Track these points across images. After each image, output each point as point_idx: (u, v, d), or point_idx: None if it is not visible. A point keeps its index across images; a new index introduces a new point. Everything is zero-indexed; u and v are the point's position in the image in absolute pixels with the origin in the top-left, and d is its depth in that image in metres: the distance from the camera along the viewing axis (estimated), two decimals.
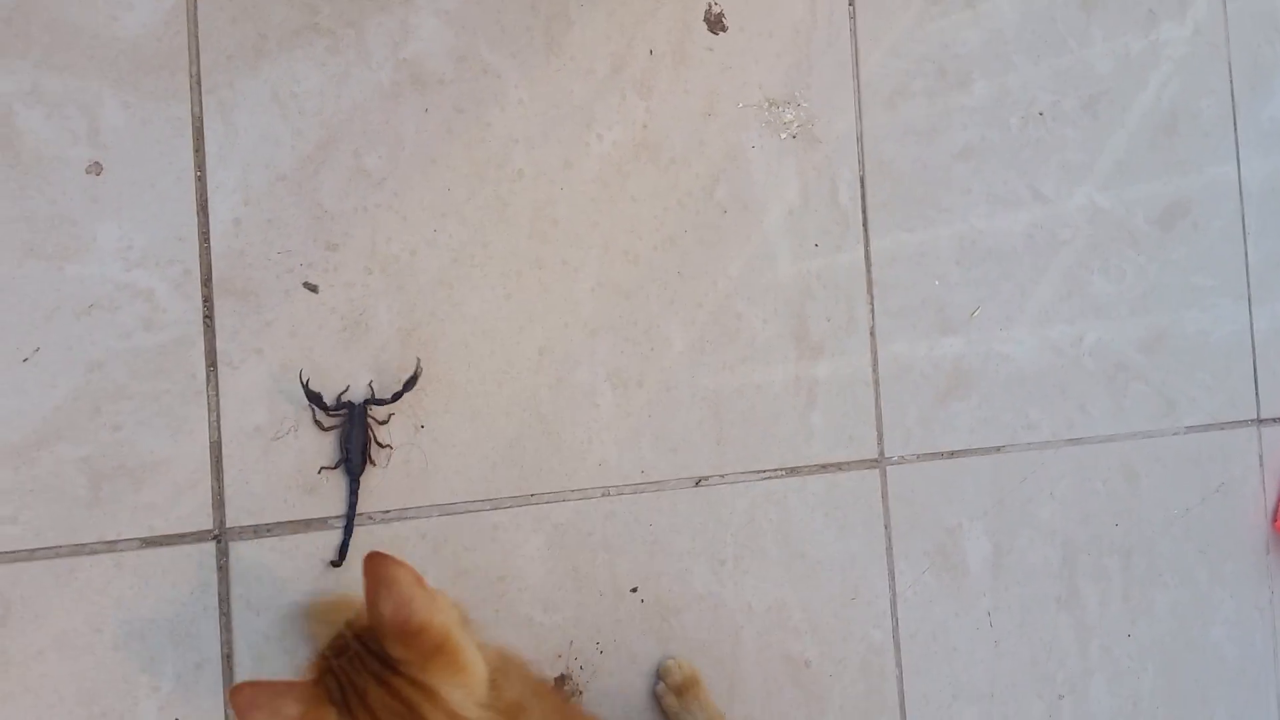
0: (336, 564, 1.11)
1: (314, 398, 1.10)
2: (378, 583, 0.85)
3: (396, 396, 1.14)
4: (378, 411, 1.15)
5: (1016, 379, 1.58)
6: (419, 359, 1.17)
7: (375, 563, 0.85)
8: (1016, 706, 1.55)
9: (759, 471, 1.37)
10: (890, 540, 1.46)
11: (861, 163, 1.47)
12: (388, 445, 1.15)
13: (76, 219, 1.04)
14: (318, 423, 1.12)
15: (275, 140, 1.13)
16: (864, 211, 1.47)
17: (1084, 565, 1.62)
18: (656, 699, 1.28)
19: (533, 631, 1.22)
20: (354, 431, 1.12)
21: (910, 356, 1.49)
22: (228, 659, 1.06)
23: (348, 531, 1.11)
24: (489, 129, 1.24)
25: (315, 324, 1.13)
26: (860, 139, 1.47)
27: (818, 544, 1.40)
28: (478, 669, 0.87)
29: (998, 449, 1.56)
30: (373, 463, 1.14)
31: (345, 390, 1.14)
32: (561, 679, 1.22)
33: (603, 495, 1.27)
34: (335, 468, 1.12)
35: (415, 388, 1.16)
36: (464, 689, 0.86)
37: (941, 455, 1.51)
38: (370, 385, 1.15)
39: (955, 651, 1.50)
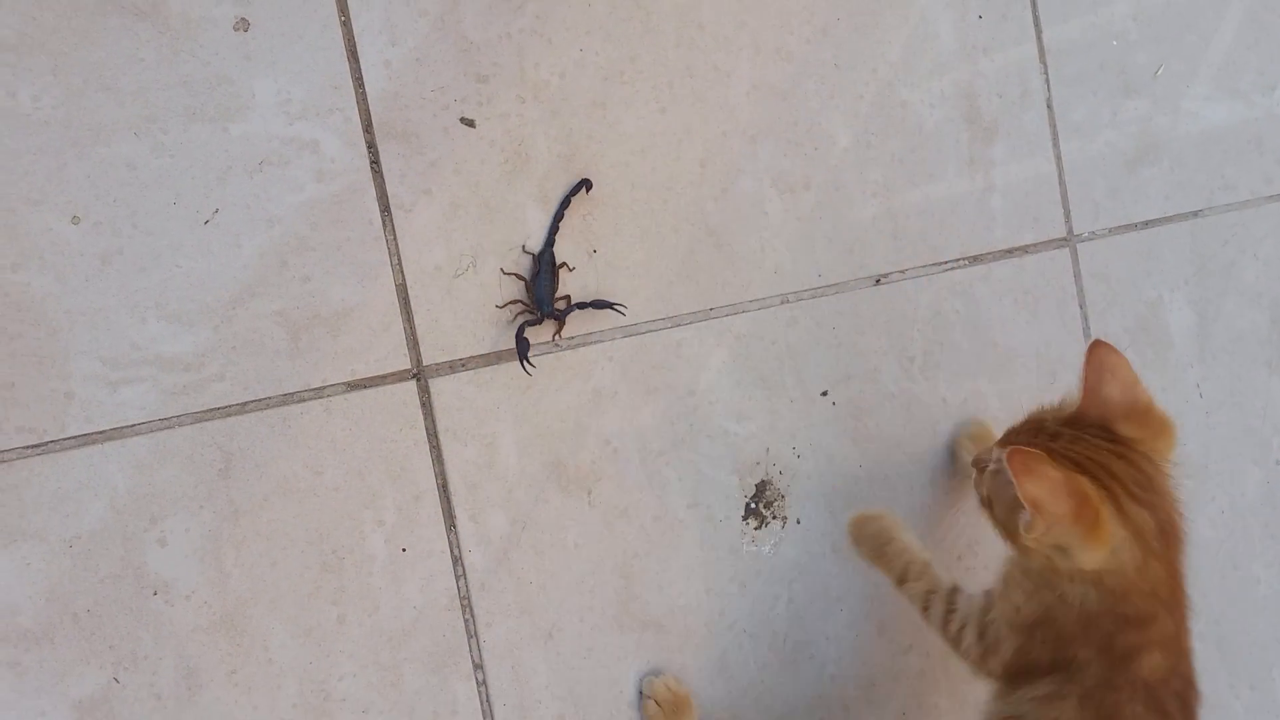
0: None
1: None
2: (1102, 369, 0.94)
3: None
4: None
5: (1209, 137, 1.47)
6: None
7: (1101, 351, 0.94)
8: (1232, 476, 1.49)
9: (940, 263, 1.32)
10: (1086, 320, 1.39)
11: None
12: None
13: (233, 78, 1.04)
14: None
15: None
16: None
17: None
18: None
19: (728, 442, 1.21)
20: (542, 279, 1.11)
21: (1092, 126, 1.40)
22: (443, 489, 1.09)
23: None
24: None
25: (477, 159, 1.12)
26: None
27: (1009, 331, 1.35)
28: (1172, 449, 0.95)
29: (1195, 214, 1.46)
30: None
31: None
32: (762, 485, 1.22)
33: (781, 303, 1.24)
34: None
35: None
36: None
37: (1135, 226, 1.43)
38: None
39: None
